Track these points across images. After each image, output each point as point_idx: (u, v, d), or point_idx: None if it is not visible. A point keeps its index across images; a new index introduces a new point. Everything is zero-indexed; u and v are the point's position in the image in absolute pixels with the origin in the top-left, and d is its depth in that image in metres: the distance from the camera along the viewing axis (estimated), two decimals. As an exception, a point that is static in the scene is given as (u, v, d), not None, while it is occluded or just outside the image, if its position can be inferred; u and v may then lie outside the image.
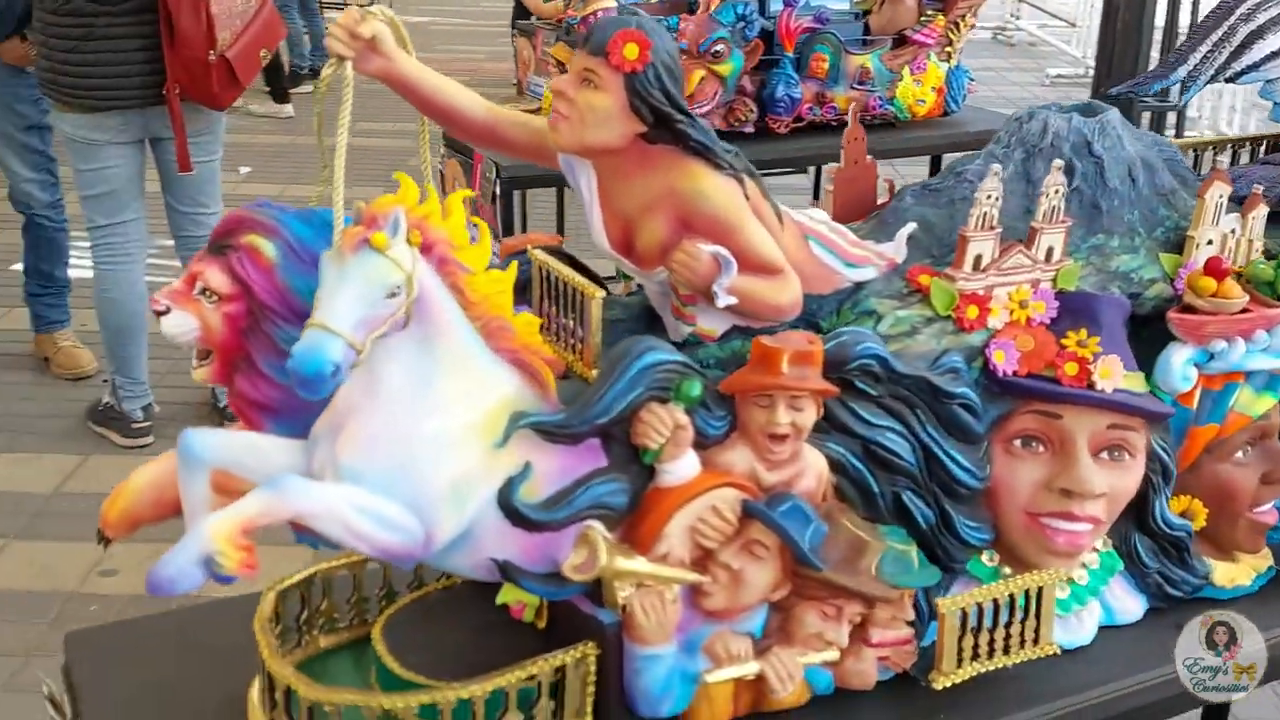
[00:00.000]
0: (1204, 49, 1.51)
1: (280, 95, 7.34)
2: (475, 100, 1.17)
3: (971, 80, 3.92)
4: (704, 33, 3.28)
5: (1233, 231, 1.35)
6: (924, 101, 3.88)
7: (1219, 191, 1.31)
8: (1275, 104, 1.54)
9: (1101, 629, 1.34)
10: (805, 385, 1.08)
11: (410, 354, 1.00)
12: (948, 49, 3.91)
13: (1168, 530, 1.32)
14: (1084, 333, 1.23)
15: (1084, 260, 1.30)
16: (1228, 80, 1.51)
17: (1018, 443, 1.25)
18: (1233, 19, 1.51)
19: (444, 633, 1.20)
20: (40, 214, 4.49)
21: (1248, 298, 1.28)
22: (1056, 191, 1.23)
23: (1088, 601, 1.31)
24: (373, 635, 1.18)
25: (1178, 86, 1.55)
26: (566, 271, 1.15)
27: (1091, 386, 1.21)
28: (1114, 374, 1.22)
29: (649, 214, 1.11)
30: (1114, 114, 1.35)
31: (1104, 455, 1.25)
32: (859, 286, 1.23)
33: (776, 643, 1.15)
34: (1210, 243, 1.33)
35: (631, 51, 1.05)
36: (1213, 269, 1.27)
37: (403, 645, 1.16)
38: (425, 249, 0.99)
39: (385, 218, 0.96)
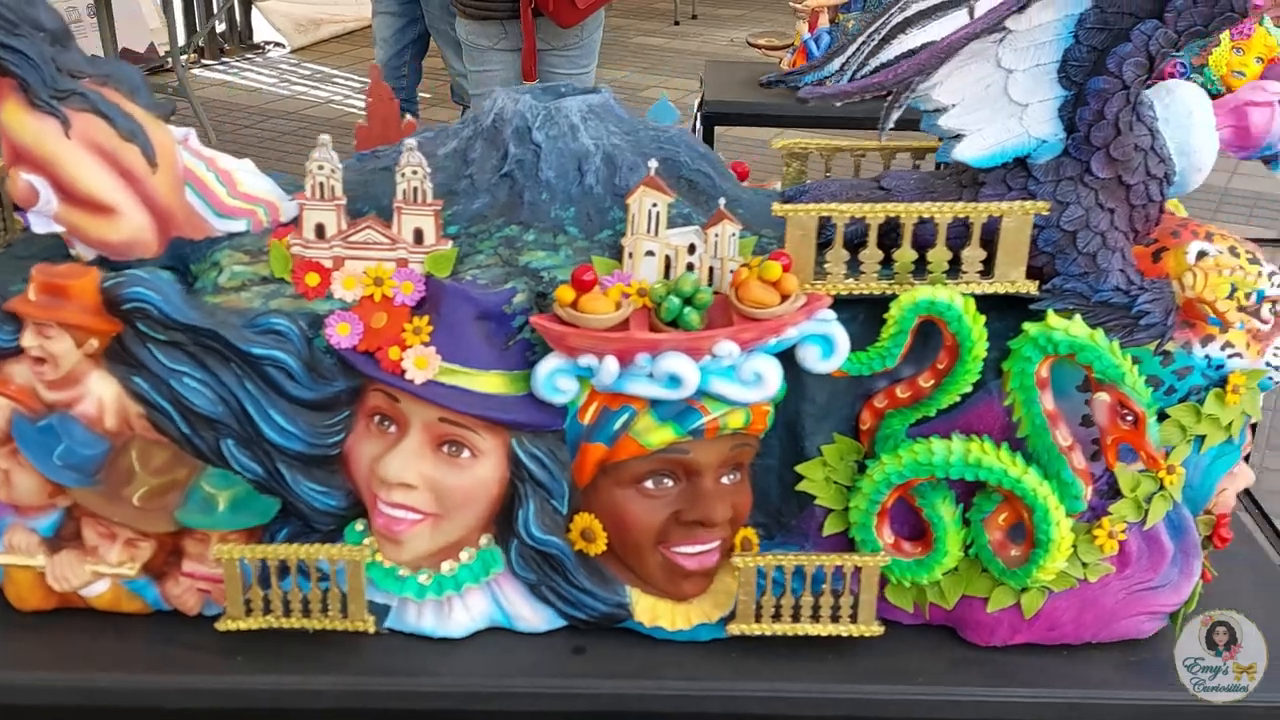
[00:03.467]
0: (863, 37, 1.33)
1: None
2: None
3: (1323, 52, 3.34)
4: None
5: (691, 247, 1.22)
6: (1242, 74, 3.38)
7: (649, 200, 1.19)
8: (925, 112, 1.31)
9: (500, 631, 1.30)
10: (45, 313, 1.17)
11: None
12: (1289, 12, 3.37)
13: (533, 544, 1.25)
14: (425, 320, 1.19)
15: (492, 250, 1.24)
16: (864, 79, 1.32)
17: (376, 419, 1.24)
18: (895, 5, 1.31)
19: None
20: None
21: (620, 315, 1.16)
22: (414, 172, 1.19)
23: (447, 593, 1.27)
24: None
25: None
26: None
27: (403, 374, 1.18)
28: (429, 365, 1.18)
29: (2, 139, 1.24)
30: (578, 102, 1.26)
31: (445, 449, 1.22)
32: (231, 236, 1.27)
33: (70, 547, 1.27)
34: (651, 254, 1.21)
35: (-81, -27, 1.16)
36: (576, 279, 1.17)
37: None
38: None
39: None
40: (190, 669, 1.25)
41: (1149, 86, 1.21)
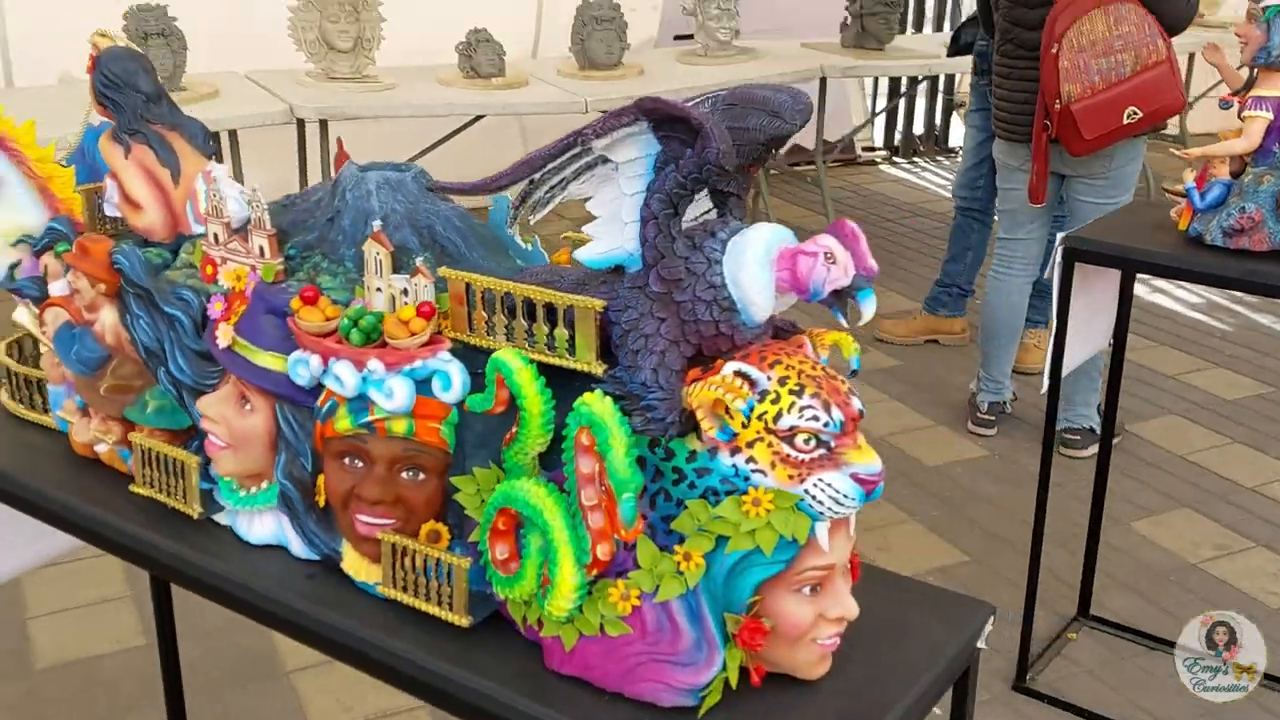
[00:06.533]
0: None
1: None
2: None
3: None
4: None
5: (404, 291, 1.62)
6: None
7: (374, 249, 1.61)
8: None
9: (278, 549, 1.78)
10: (75, 262, 1.87)
11: None
12: None
13: (279, 485, 1.71)
14: (244, 308, 1.73)
15: (307, 270, 1.73)
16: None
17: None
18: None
19: None
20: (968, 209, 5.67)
21: (326, 326, 1.60)
22: (257, 205, 1.72)
23: (246, 508, 1.78)
24: None
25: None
26: None
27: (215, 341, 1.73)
28: (227, 337, 1.71)
29: None
30: (379, 175, 1.70)
31: (241, 399, 1.73)
32: (199, 236, 1.88)
33: (86, 416, 1.96)
34: (379, 290, 1.64)
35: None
36: (301, 294, 1.62)
37: None
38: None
39: None
40: (116, 512, 1.89)
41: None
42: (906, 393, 5.65)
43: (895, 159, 9.65)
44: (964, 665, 1.62)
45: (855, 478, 1.38)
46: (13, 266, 2.07)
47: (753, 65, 6.74)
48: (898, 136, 9.72)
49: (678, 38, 7.60)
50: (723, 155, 1.33)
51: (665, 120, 1.39)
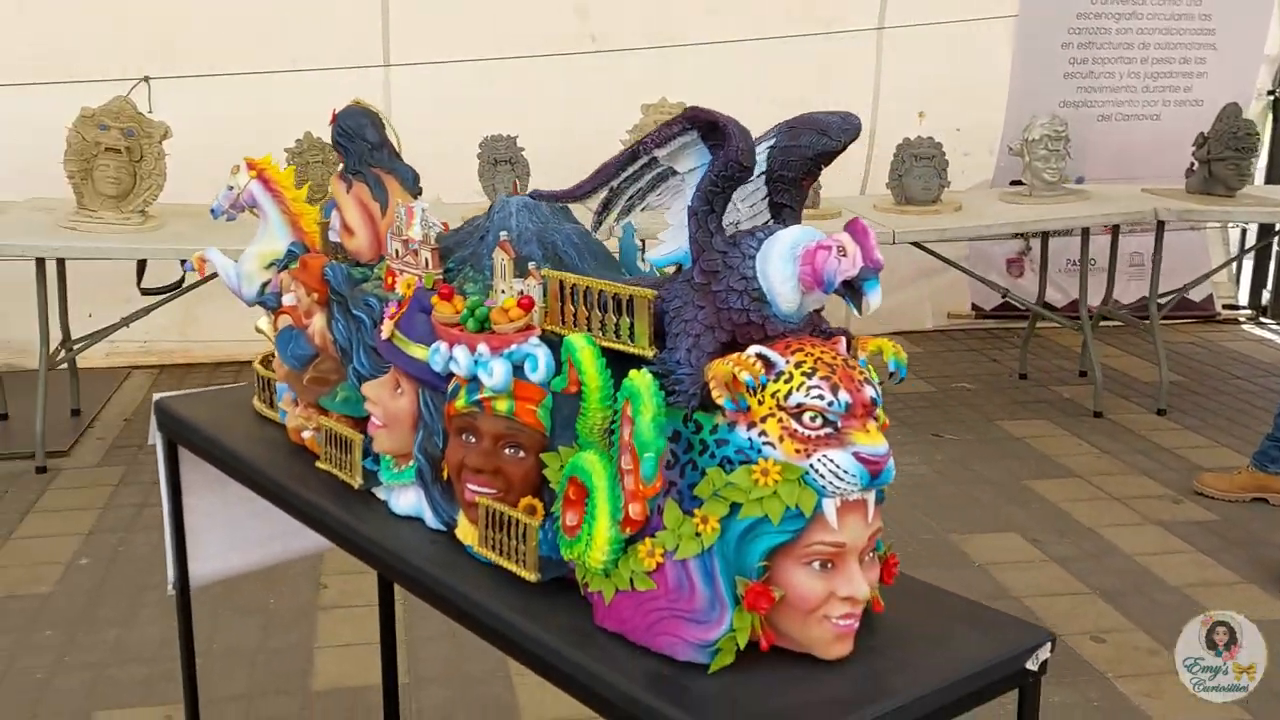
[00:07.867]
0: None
1: None
2: None
3: None
4: None
5: (520, 291, 1.86)
6: None
7: (500, 257, 1.87)
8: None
9: (417, 520, 2.04)
10: (295, 276, 2.24)
11: (261, 218, 2.49)
12: None
13: (416, 461, 1.97)
14: (404, 308, 2.02)
15: (459, 279, 2.01)
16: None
17: (397, 366, 2.09)
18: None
19: None
20: None
21: (455, 318, 1.86)
22: (430, 224, 2.02)
23: (394, 482, 2.04)
24: None
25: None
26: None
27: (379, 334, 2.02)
28: (387, 331, 2.00)
29: None
30: (520, 200, 1.96)
31: (395, 383, 2.02)
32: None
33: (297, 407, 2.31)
34: (504, 291, 1.89)
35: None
36: (439, 292, 1.89)
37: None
38: (261, 179, 2.46)
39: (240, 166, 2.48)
40: (306, 486, 2.21)
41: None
42: (1217, 547, 5.29)
43: (1263, 319, 9.09)
44: (1008, 685, 1.63)
45: (859, 457, 1.47)
46: (264, 285, 2.48)
47: (1080, 205, 6.65)
48: (1266, 295, 9.17)
49: (1013, 183, 7.60)
50: (742, 153, 1.49)
51: (708, 128, 1.57)
